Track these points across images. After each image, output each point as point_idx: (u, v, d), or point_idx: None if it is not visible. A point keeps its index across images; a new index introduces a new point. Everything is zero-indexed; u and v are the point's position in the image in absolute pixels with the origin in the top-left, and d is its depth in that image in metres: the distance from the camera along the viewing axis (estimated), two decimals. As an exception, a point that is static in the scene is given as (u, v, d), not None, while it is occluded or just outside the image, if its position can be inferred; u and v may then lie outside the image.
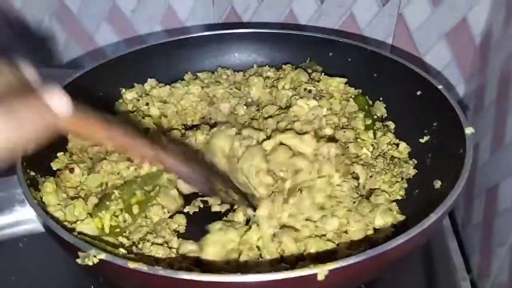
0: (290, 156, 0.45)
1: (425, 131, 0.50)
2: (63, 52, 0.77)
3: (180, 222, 0.45)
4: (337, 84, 0.58)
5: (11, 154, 0.28)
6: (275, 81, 0.60)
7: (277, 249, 0.40)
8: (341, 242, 0.41)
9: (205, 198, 0.48)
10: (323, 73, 0.60)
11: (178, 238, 0.43)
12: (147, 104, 0.57)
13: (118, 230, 0.44)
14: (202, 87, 0.59)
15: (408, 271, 0.46)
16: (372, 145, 0.51)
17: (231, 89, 0.59)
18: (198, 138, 0.51)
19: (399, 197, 0.46)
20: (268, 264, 0.39)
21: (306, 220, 0.42)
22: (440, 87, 0.49)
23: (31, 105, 0.28)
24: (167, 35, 0.72)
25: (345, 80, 0.58)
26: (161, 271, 0.32)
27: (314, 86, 0.57)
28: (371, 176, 0.48)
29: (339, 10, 0.65)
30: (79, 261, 0.34)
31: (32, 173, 0.44)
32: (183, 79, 0.62)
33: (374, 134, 0.52)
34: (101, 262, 0.33)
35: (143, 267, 0.32)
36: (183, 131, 0.54)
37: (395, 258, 0.35)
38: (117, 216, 0.44)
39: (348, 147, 0.50)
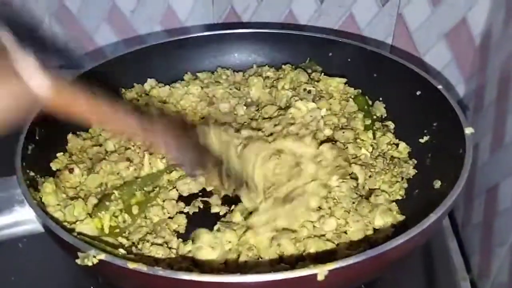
0: (289, 163, 0.45)
1: (425, 131, 0.50)
2: (63, 52, 0.77)
3: (180, 223, 0.45)
4: (336, 84, 0.58)
5: None
6: (274, 81, 0.60)
7: (276, 251, 0.40)
8: (340, 242, 0.41)
9: (205, 199, 0.48)
10: (322, 73, 0.60)
11: (178, 238, 0.43)
12: (146, 104, 0.57)
13: (117, 230, 0.44)
14: (202, 87, 0.59)
15: (408, 271, 0.46)
16: (371, 145, 0.51)
17: (230, 89, 0.59)
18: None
19: (399, 197, 0.46)
20: (268, 265, 0.39)
21: (304, 221, 0.42)
22: (439, 87, 0.49)
23: (4, 79, 0.26)
24: (166, 35, 0.71)
25: (344, 80, 0.58)
26: (160, 272, 0.32)
27: (313, 86, 0.57)
28: (370, 176, 0.48)
29: (339, 10, 0.65)
30: (78, 261, 0.34)
31: (32, 174, 0.44)
32: (182, 79, 0.62)
33: (374, 134, 0.52)
34: (100, 263, 0.33)
35: (142, 268, 0.32)
36: (182, 131, 0.54)
37: (395, 258, 0.35)
38: (116, 217, 0.44)
39: (347, 147, 0.50)
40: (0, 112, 0.26)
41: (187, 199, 0.48)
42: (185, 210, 0.47)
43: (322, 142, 0.49)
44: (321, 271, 0.31)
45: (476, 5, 0.59)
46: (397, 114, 0.55)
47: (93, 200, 0.44)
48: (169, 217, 0.46)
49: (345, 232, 0.42)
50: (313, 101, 0.54)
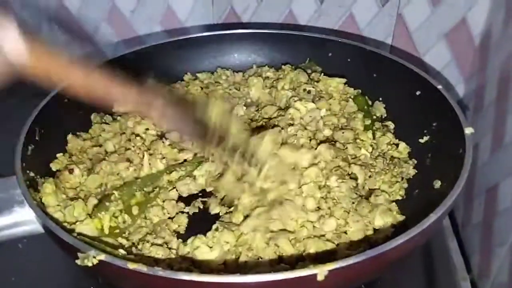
0: (283, 169, 0.45)
1: (425, 131, 0.50)
2: (63, 52, 0.77)
3: (181, 223, 0.45)
4: (336, 84, 0.58)
5: None
6: (274, 82, 0.60)
7: (275, 252, 0.40)
8: (340, 242, 0.41)
9: (204, 199, 0.48)
10: (322, 74, 0.60)
11: (177, 239, 0.43)
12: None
13: (117, 231, 0.44)
14: (202, 88, 0.59)
15: (408, 271, 0.46)
16: (371, 145, 0.51)
17: (230, 89, 0.59)
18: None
19: (399, 197, 0.46)
20: (268, 265, 0.39)
21: (303, 222, 0.42)
22: (439, 87, 0.49)
23: None
24: (166, 36, 0.71)
25: (344, 80, 0.58)
26: (160, 272, 0.32)
27: (313, 87, 0.57)
28: (370, 176, 0.48)
29: (339, 10, 0.65)
30: (78, 262, 0.34)
31: (32, 174, 0.44)
32: (182, 80, 0.62)
33: (374, 134, 0.52)
34: (100, 263, 0.33)
35: (142, 268, 0.32)
36: (182, 131, 0.54)
37: (394, 258, 0.35)
38: (116, 217, 0.44)
39: (347, 147, 0.50)
40: None
41: (187, 200, 0.48)
42: (185, 211, 0.47)
43: (320, 143, 0.49)
44: (321, 271, 0.31)
45: (476, 5, 0.59)
46: (397, 114, 0.55)
47: (93, 201, 0.44)
48: (169, 218, 0.46)
49: (345, 232, 0.42)
50: (313, 101, 0.54)
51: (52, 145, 0.49)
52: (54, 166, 0.48)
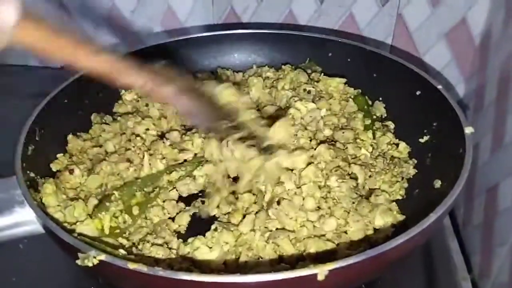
0: (277, 172, 0.45)
1: (425, 131, 0.50)
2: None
3: (181, 223, 0.45)
4: (336, 84, 0.58)
5: None
6: (274, 82, 0.60)
7: (275, 251, 0.40)
8: (341, 242, 0.41)
9: (204, 199, 0.48)
10: (322, 74, 0.60)
11: (178, 239, 0.43)
12: (146, 105, 0.57)
13: (118, 231, 0.44)
14: (202, 88, 0.59)
15: (409, 271, 0.46)
16: (371, 145, 0.51)
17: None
18: (195, 142, 0.51)
19: (399, 197, 0.46)
20: (268, 264, 0.39)
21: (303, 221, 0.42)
22: (439, 87, 0.49)
23: None
24: (166, 36, 0.72)
25: (344, 80, 0.58)
26: (161, 272, 0.32)
27: (313, 87, 0.57)
28: (370, 176, 0.48)
29: (339, 10, 0.65)
30: (79, 262, 0.34)
31: (32, 174, 0.44)
32: (182, 80, 0.62)
33: (374, 134, 0.52)
34: (101, 263, 0.33)
35: (143, 268, 0.32)
36: (182, 131, 0.54)
37: (395, 258, 0.35)
38: (117, 217, 0.44)
39: (347, 147, 0.50)
40: None
41: (187, 200, 0.48)
42: (185, 210, 0.47)
43: (320, 143, 0.49)
44: (321, 271, 0.31)
45: (475, 5, 0.59)
46: (397, 114, 0.55)
47: (93, 201, 0.44)
48: (169, 218, 0.46)
49: (345, 232, 0.42)
50: (313, 101, 0.54)
51: (52, 146, 0.49)
52: (54, 167, 0.48)
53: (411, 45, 0.65)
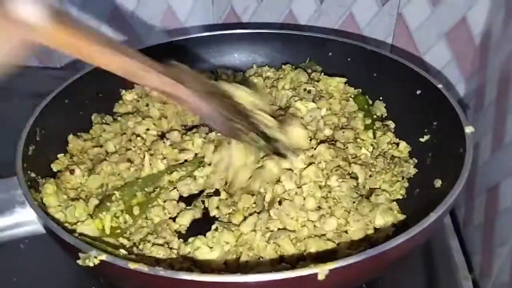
0: (275, 173, 0.45)
1: (425, 130, 0.50)
2: (63, 53, 0.77)
3: (182, 223, 0.45)
4: (336, 84, 0.58)
5: None
6: (275, 81, 0.60)
7: (276, 251, 0.40)
8: (341, 241, 0.41)
9: (204, 200, 0.48)
10: (322, 73, 0.60)
11: (178, 239, 0.43)
12: (147, 105, 0.57)
13: (118, 231, 0.44)
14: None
15: (410, 271, 0.46)
16: (372, 144, 0.51)
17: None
18: (196, 142, 0.51)
19: (399, 197, 0.46)
20: (269, 264, 0.39)
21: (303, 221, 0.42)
22: (440, 86, 0.49)
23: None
24: (166, 36, 0.72)
25: (344, 79, 0.58)
26: (161, 272, 0.32)
27: (313, 86, 0.57)
28: (371, 176, 0.48)
29: (339, 10, 0.65)
30: (80, 262, 0.34)
31: (33, 175, 0.44)
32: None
33: (374, 133, 0.52)
34: (101, 263, 0.33)
35: (143, 268, 0.32)
36: (183, 131, 0.54)
37: (395, 257, 0.35)
38: (117, 217, 0.44)
39: (347, 147, 0.50)
40: None
41: (188, 200, 0.48)
42: (187, 210, 0.47)
43: (320, 142, 0.49)
44: (321, 271, 0.31)
45: (475, 4, 0.59)
46: (397, 113, 0.55)
47: (94, 201, 0.44)
48: (170, 218, 0.46)
49: (346, 232, 0.42)
50: (313, 101, 0.54)
51: (53, 146, 0.50)
52: (55, 167, 0.48)
53: (411, 45, 0.65)
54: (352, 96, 0.57)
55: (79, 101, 0.54)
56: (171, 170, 0.49)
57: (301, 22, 0.68)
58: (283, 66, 0.62)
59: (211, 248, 0.40)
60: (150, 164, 0.49)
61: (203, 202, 0.47)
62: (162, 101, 0.58)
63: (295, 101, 0.54)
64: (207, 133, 0.52)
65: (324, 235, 0.41)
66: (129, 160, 0.49)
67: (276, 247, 0.41)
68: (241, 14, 0.69)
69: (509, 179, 0.47)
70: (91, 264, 0.33)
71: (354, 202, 0.44)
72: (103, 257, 0.33)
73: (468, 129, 0.43)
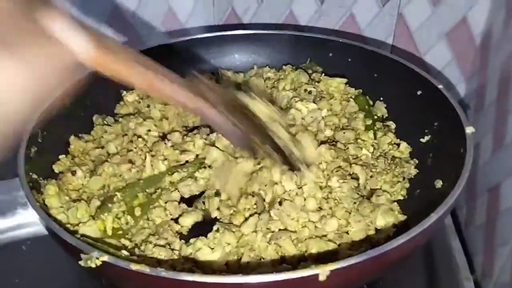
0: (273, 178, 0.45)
1: (426, 130, 0.50)
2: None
3: (184, 224, 0.45)
4: (337, 84, 0.58)
5: (30, 108, 0.23)
6: (275, 82, 0.60)
7: (277, 252, 0.40)
8: (342, 242, 0.41)
9: (205, 201, 0.48)
10: (323, 74, 0.60)
11: (180, 240, 0.43)
12: (148, 106, 0.57)
13: (120, 232, 0.44)
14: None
15: (411, 271, 0.46)
16: (372, 145, 0.51)
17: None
18: (197, 143, 0.51)
19: (400, 197, 0.47)
20: (270, 265, 0.40)
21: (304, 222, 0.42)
22: (440, 86, 0.49)
23: (39, 42, 0.22)
24: (167, 37, 0.72)
25: (345, 80, 0.58)
26: (163, 273, 0.32)
27: (314, 87, 0.57)
28: (371, 176, 0.48)
29: (339, 11, 0.65)
30: (81, 263, 0.34)
31: (34, 176, 0.44)
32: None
33: (375, 134, 0.53)
34: (103, 264, 0.34)
35: (145, 269, 0.32)
36: (184, 133, 0.54)
37: (396, 258, 0.35)
38: (119, 218, 0.44)
39: (348, 148, 0.50)
40: (40, 81, 0.22)
41: (189, 201, 0.48)
42: (187, 212, 0.47)
43: (321, 143, 0.49)
44: (322, 271, 0.31)
45: (476, 4, 0.59)
46: (398, 114, 0.55)
47: (95, 202, 0.45)
48: (172, 219, 0.46)
49: (347, 233, 0.42)
50: (314, 102, 0.54)
51: (54, 147, 0.50)
52: (56, 168, 0.48)
53: (412, 45, 0.65)
54: (353, 96, 0.57)
55: (80, 102, 0.54)
56: (172, 171, 0.49)
57: (302, 22, 0.68)
58: (283, 67, 0.62)
59: (212, 249, 0.40)
60: (151, 165, 0.49)
61: (203, 203, 0.47)
62: (163, 102, 0.58)
63: (296, 101, 0.54)
64: (208, 134, 0.52)
65: (325, 235, 0.42)
66: (130, 161, 0.49)
67: (277, 248, 0.41)
68: (242, 15, 0.69)
69: (510, 179, 0.48)
70: (93, 265, 0.34)
71: (355, 203, 0.44)
72: (105, 258, 0.33)
73: (469, 130, 0.43)
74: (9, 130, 0.23)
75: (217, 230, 0.42)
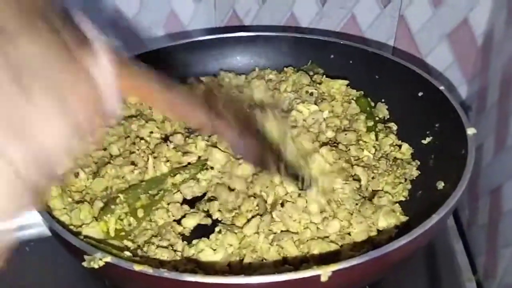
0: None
1: (428, 132, 0.50)
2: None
3: (186, 225, 0.45)
4: (338, 86, 0.58)
5: (69, 153, 0.20)
6: (277, 84, 0.60)
7: (279, 253, 0.41)
8: (344, 243, 0.41)
9: (207, 203, 0.48)
10: (324, 76, 0.60)
11: (182, 241, 0.43)
12: (150, 108, 0.58)
13: (123, 233, 0.44)
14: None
15: (412, 272, 0.46)
16: (374, 146, 0.51)
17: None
18: (199, 144, 0.51)
19: (402, 198, 0.47)
20: (272, 266, 0.40)
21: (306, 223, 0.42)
22: (442, 88, 0.49)
23: (78, 81, 0.20)
24: (169, 39, 0.72)
25: (346, 82, 0.58)
26: (166, 274, 0.32)
27: (315, 89, 0.57)
28: (373, 178, 0.48)
29: (340, 12, 0.66)
30: (85, 264, 0.35)
31: (38, 178, 0.44)
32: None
33: (376, 135, 0.53)
34: (106, 265, 0.34)
35: (148, 270, 0.32)
36: (186, 134, 0.54)
37: (398, 259, 0.35)
38: (122, 220, 0.44)
39: (349, 149, 0.50)
40: (80, 128, 0.20)
41: (191, 202, 0.48)
42: (190, 213, 0.47)
43: (323, 145, 0.49)
44: (324, 272, 0.31)
45: (477, 6, 0.59)
46: (399, 115, 0.55)
47: (98, 204, 0.45)
48: (174, 220, 0.46)
49: (349, 234, 0.42)
50: (315, 103, 0.55)
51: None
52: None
53: (413, 47, 0.65)
54: (354, 98, 0.57)
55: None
56: (175, 173, 0.49)
57: (303, 24, 0.68)
58: (285, 68, 0.62)
59: (214, 250, 0.40)
60: (154, 167, 0.49)
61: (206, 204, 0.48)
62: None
63: (297, 103, 0.54)
64: (209, 136, 0.52)
65: (327, 237, 0.42)
66: (133, 163, 0.49)
67: (279, 249, 0.41)
68: (243, 17, 0.69)
69: (512, 181, 0.47)
70: (96, 266, 0.34)
71: (357, 204, 0.44)
72: (108, 259, 0.34)
73: (470, 131, 0.43)
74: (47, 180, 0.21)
75: (219, 232, 0.42)
